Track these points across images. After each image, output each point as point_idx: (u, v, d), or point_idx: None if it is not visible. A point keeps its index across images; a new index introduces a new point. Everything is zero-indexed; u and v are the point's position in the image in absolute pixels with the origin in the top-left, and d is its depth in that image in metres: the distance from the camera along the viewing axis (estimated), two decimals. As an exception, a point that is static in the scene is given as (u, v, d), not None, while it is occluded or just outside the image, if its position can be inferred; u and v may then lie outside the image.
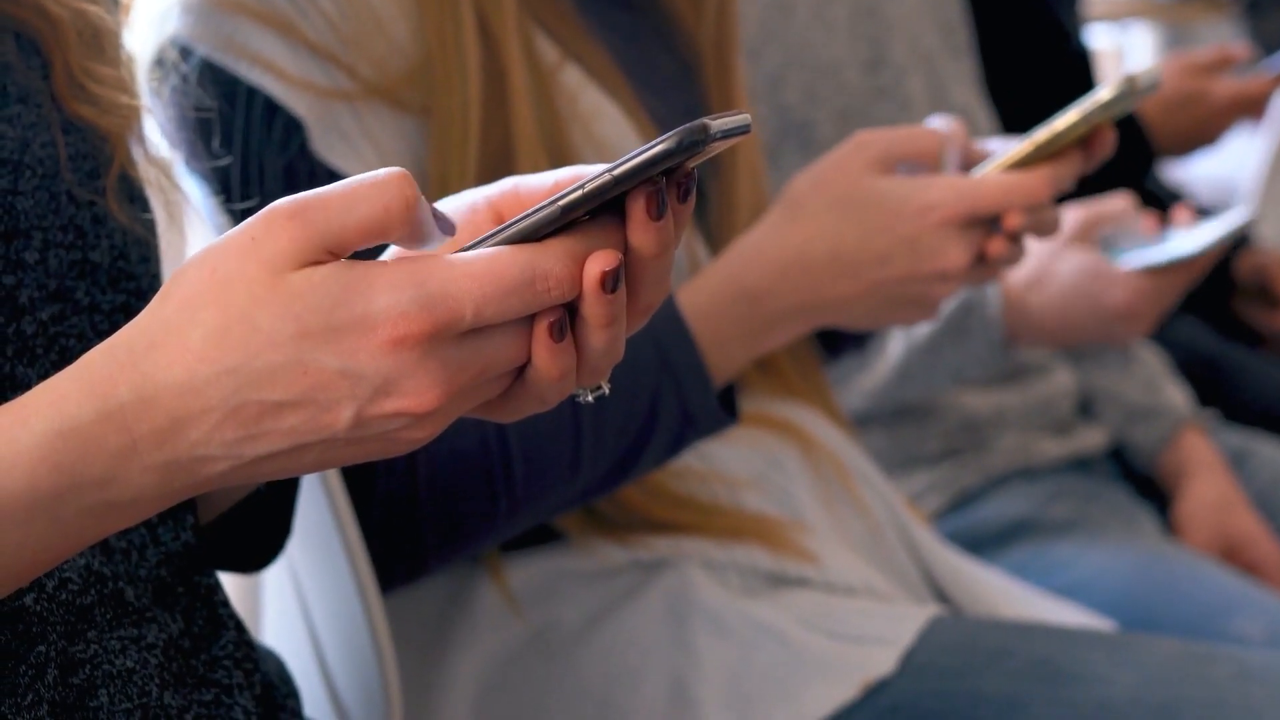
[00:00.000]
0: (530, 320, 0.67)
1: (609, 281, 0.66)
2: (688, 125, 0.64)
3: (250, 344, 0.64)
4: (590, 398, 0.74)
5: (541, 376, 0.68)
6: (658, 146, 0.64)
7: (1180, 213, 1.58)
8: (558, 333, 0.67)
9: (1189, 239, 1.47)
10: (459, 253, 0.66)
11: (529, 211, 0.66)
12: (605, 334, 0.68)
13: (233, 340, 0.64)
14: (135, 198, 0.88)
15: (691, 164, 0.68)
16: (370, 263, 0.65)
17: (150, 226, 0.89)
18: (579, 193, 0.65)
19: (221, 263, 0.65)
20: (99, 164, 0.86)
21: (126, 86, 0.88)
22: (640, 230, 0.67)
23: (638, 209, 0.66)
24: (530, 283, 0.65)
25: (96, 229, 0.85)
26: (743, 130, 0.67)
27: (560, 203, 0.66)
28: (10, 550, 0.67)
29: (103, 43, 0.87)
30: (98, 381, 0.66)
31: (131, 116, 0.88)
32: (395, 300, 0.64)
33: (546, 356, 0.67)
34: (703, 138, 0.64)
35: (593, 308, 0.67)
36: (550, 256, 0.65)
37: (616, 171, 0.65)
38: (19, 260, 0.81)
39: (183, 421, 0.65)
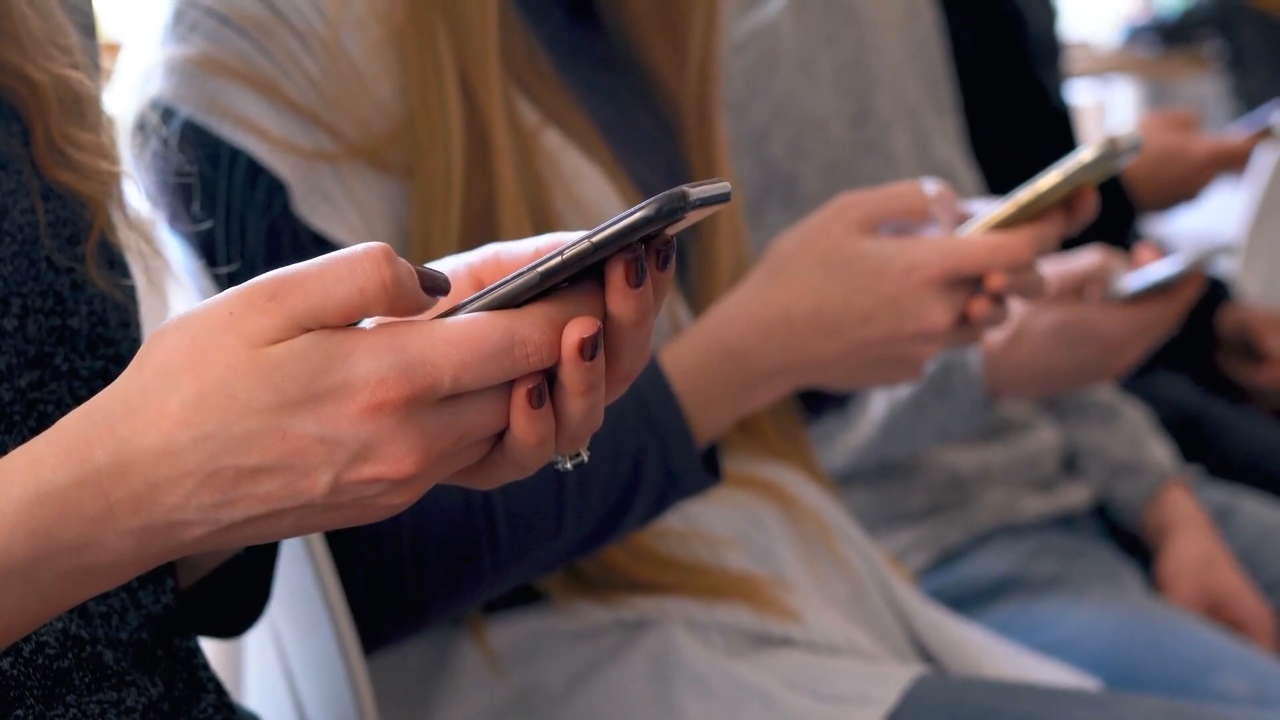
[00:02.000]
0: (509, 386, 0.67)
1: (588, 348, 0.66)
2: (667, 192, 0.64)
3: (228, 411, 0.64)
4: (569, 465, 0.74)
5: (520, 443, 0.68)
6: (636, 214, 0.64)
7: (1143, 252, 1.58)
8: (536, 399, 0.67)
9: (1164, 264, 1.48)
10: (438, 318, 0.66)
11: (509, 277, 0.67)
12: (584, 401, 0.68)
13: (210, 407, 0.65)
14: (115, 263, 0.88)
15: (671, 231, 0.68)
16: (349, 330, 0.65)
17: (130, 293, 0.89)
18: (558, 259, 0.65)
19: (199, 334, 0.65)
20: (78, 230, 0.86)
21: (107, 152, 0.88)
22: (619, 297, 0.67)
23: (617, 276, 0.67)
24: (509, 349, 0.65)
25: (75, 295, 0.85)
26: (722, 199, 0.67)
27: (539, 269, 0.66)
28: None
29: (83, 109, 0.87)
30: (74, 446, 0.66)
31: (111, 182, 0.87)
32: (374, 366, 0.64)
33: (525, 423, 0.67)
34: (682, 205, 0.64)
35: (571, 375, 0.67)
36: (529, 323, 0.66)
37: (595, 238, 0.65)
38: None
39: (159, 486, 0.65)
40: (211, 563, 0.92)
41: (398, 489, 0.66)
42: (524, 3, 1.22)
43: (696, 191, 0.65)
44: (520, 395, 0.67)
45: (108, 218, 0.87)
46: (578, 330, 0.66)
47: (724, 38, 1.31)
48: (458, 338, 0.65)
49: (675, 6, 1.29)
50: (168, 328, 0.67)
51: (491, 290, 0.67)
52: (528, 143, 1.16)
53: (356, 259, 0.65)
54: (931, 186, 1.14)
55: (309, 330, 0.65)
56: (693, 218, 0.67)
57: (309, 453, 0.65)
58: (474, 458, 0.69)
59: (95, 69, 0.91)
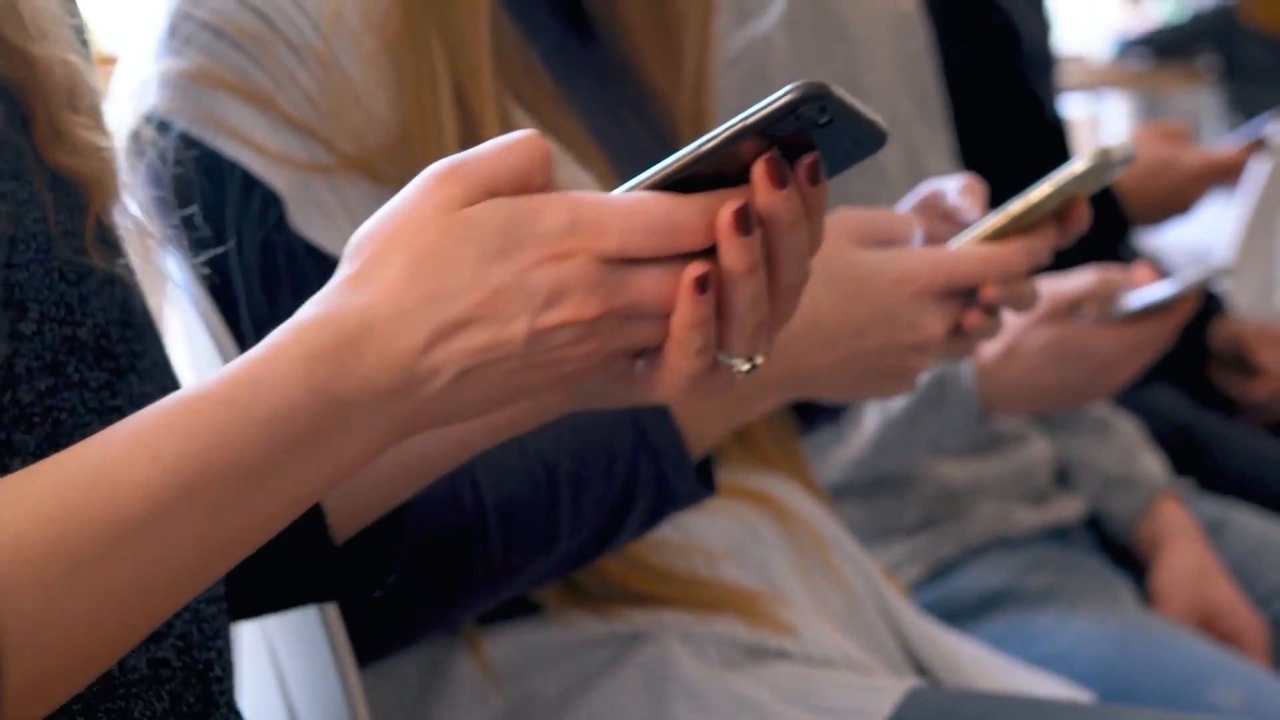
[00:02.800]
0: (681, 271, 0.74)
1: (741, 222, 0.74)
2: (809, 79, 0.71)
3: (440, 271, 0.73)
4: (743, 368, 0.79)
5: (685, 322, 0.75)
6: (785, 95, 0.70)
7: (1140, 272, 1.59)
8: (701, 286, 0.74)
9: (1163, 285, 1.48)
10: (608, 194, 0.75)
11: (668, 160, 0.74)
12: (745, 285, 0.75)
13: (425, 271, 0.73)
14: (114, 247, 0.89)
15: (821, 160, 0.75)
16: (533, 195, 0.74)
17: (129, 273, 0.90)
18: (712, 142, 0.73)
19: (400, 214, 0.74)
20: (84, 242, 0.86)
21: (103, 129, 0.90)
22: (765, 193, 0.74)
23: (760, 173, 0.74)
24: (668, 224, 0.73)
25: (83, 306, 0.85)
26: (876, 135, 0.74)
27: (697, 148, 0.73)
28: (274, 476, 0.73)
29: (80, 90, 0.89)
30: (325, 316, 0.74)
31: (109, 160, 0.89)
32: (557, 223, 0.73)
33: (689, 302, 0.75)
34: (824, 92, 0.70)
35: (729, 251, 0.74)
36: (688, 204, 0.74)
37: (749, 120, 0.72)
38: (16, 331, 0.81)
39: (399, 346, 0.73)
40: (367, 516, 0.97)
41: (582, 338, 0.74)
42: (520, 14, 1.22)
43: (841, 91, 0.71)
44: (689, 278, 0.74)
45: (106, 199, 0.88)
46: (730, 205, 0.74)
47: (717, 50, 1.31)
48: (625, 208, 0.73)
49: (669, 19, 1.29)
50: (367, 226, 0.75)
51: (654, 172, 0.74)
52: None
53: (520, 137, 0.75)
54: (962, 179, 1.14)
55: (490, 194, 0.74)
56: (845, 131, 0.73)
57: (508, 301, 0.73)
58: (647, 337, 0.76)
59: (86, 49, 0.92)
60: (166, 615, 0.75)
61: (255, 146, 1.08)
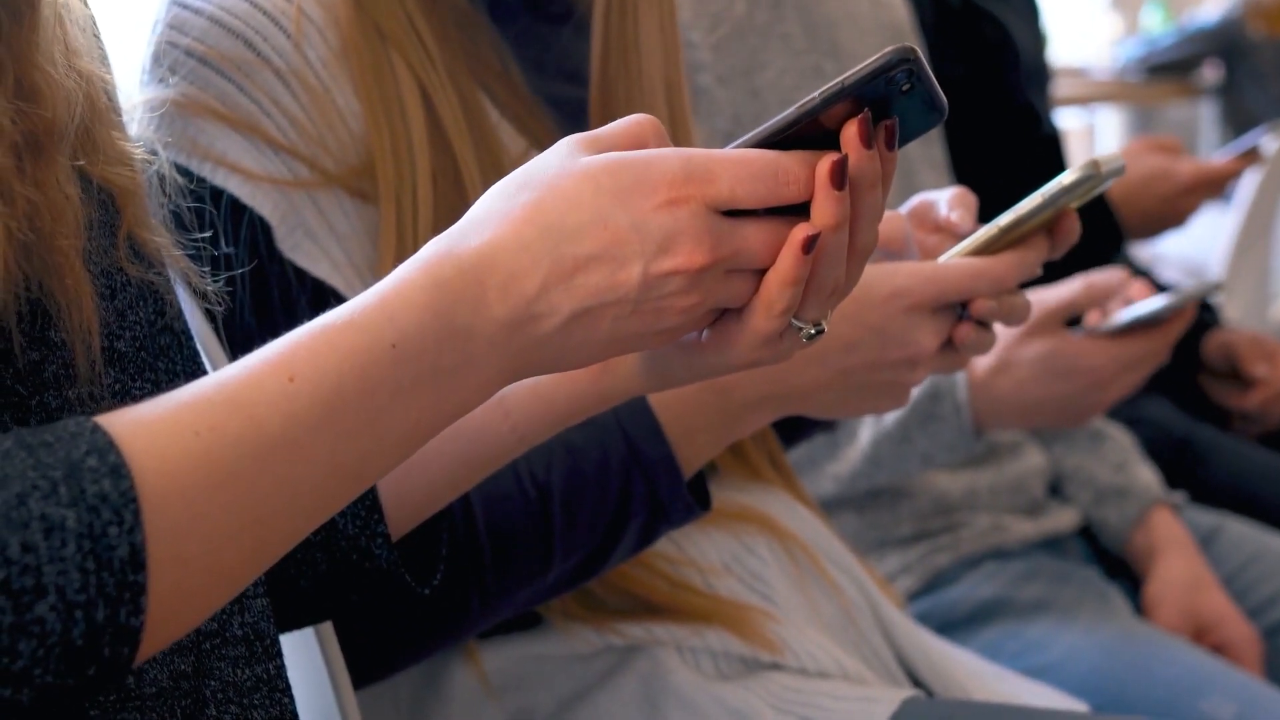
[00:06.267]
0: (783, 230, 0.79)
1: (837, 174, 0.79)
2: (896, 45, 0.77)
3: (560, 207, 0.77)
4: (812, 331, 0.83)
5: (781, 278, 0.80)
6: (878, 60, 0.77)
7: (1135, 286, 1.59)
8: (808, 246, 0.79)
9: (1156, 299, 1.48)
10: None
11: (769, 121, 0.80)
12: (832, 243, 0.80)
13: (546, 206, 0.78)
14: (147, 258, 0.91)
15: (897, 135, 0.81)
16: (646, 149, 0.80)
17: (164, 283, 0.91)
18: (811, 103, 0.79)
19: (523, 170, 0.80)
20: (116, 248, 0.88)
21: (131, 141, 0.91)
22: (856, 151, 0.79)
23: (850, 133, 0.79)
24: (774, 174, 0.79)
25: (120, 320, 0.87)
26: (940, 110, 0.80)
27: (799, 110, 0.79)
28: (402, 402, 0.76)
29: (113, 105, 0.91)
30: (449, 250, 0.78)
31: (139, 170, 0.90)
32: (671, 168, 0.78)
33: (792, 259, 0.79)
34: (914, 55, 0.77)
35: (823, 204, 0.79)
36: (790, 157, 0.79)
37: (846, 82, 0.78)
38: (45, 338, 0.81)
39: (518, 275, 0.77)
40: (421, 514, 1.00)
41: (689, 288, 0.78)
42: (494, 8, 1.22)
43: (921, 58, 0.77)
44: (797, 238, 0.79)
45: (136, 211, 0.89)
46: (829, 158, 0.79)
47: (682, 59, 1.28)
48: (733, 158, 0.79)
49: (627, 26, 1.25)
50: (494, 187, 0.80)
51: (760, 129, 0.80)
52: (496, 154, 1.15)
53: (633, 116, 0.82)
54: (953, 191, 1.14)
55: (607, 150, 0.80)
56: (917, 101, 0.79)
57: (625, 242, 0.77)
58: (739, 294, 0.81)
59: (110, 68, 0.94)
60: (297, 538, 0.77)
61: (243, 173, 1.08)
